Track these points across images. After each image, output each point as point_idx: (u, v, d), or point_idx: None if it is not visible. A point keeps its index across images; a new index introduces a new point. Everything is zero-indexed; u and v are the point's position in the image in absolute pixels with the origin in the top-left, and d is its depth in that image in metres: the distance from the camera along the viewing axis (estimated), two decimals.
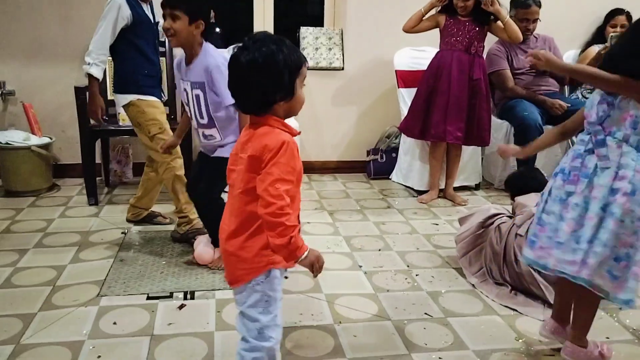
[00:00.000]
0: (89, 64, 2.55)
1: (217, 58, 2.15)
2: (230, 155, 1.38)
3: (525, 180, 2.46)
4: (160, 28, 2.69)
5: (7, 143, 3.25)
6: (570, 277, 1.60)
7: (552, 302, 1.99)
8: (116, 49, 2.58)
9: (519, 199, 2.35)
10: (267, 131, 1.28)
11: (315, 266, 1.29)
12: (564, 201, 1.63)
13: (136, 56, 2.59)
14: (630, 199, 1.52)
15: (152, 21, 2.68)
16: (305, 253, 1.28)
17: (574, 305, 1.78)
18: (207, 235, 2.44)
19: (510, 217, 2.33)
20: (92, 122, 3.18)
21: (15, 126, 3.49)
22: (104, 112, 2.72)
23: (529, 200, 2.28)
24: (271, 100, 1.28)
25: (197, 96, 2.19)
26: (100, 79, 2.62)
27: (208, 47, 2.20)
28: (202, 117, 2.21)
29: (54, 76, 3.56)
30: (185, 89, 2.24)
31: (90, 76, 2.59)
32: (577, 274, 1.57)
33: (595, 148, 1.58)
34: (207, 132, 2.24)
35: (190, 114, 2.27)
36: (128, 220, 2.88)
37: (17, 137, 3.30)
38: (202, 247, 2.38)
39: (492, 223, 2.33)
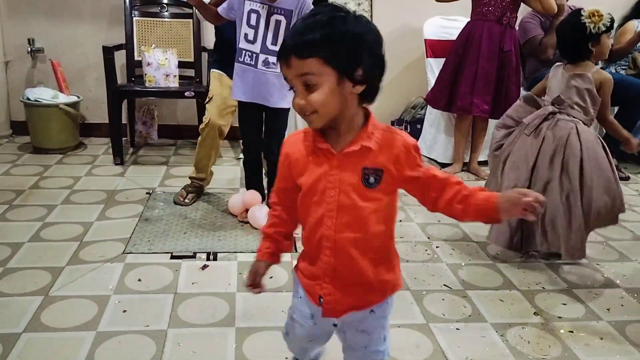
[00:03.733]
0: None
1: None
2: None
3: None
4: None
5: (35, 100, 3.29)
6: None
7: None
8: None
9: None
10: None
11: None
12: None
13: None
14: None
15: None
16: None
17: None
18: (259, 199, 2.51)
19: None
20: (119, 82, 3.21)
21: (43, 84, 3.54)
22: None
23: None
24: None
25: (278, 22, 2.21)
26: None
27: None
28: (275, 44, 2.22)
29: (82, 35, 3.58)
30: (256, 11, 2.21)
31: None
32: None
33: None
34: (272, 59, 2.24)
35: (255, 39, 2.24)
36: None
37: (45, 94, 3.34)
38: (265, 212, 2.40)
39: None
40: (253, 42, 2.24)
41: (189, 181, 2.77)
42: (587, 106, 2.13)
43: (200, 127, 2.67)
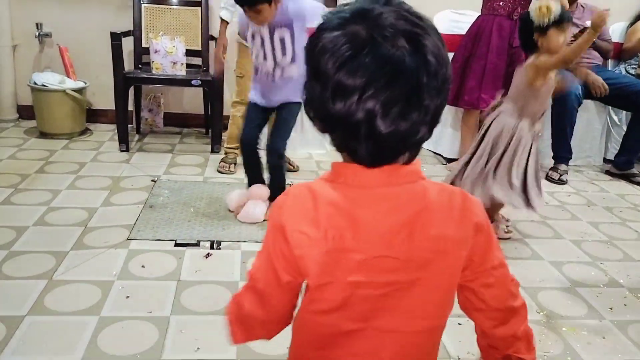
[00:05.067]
0: (221, 7, 2.89)
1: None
2: (329, 253, 0.73)
3: None
4: None
5: (42, 85, 3.29)
6: None
7: None
8: None
9: None
10: (448, 191, 0.79)
11: None
12: None
13: None
14: None
15: None
16: None
17: None
18: (267, 193, 2.43)
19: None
20: (126, 69, 3.20)
21: (51, 68, 3.53)
22: (225, 50, 2.94)
23: None
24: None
25: (282, 36, 2.20)
26: (229, 21, 2.86)
27: None
28: (285, 55, 2.22)
29: (90, 21, 3.56)
30: (259, 35, 2.22)
31: (221, 19, 2.89)
32: None
33: None
34: (288, 69, 2.25)
35: (265, 58, 2.25)
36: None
37: (52, 79, 3.33)
38: (260, 208, 2.38)
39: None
40: (265, 60, 2.26)
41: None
42: (518, 97, 2.22)
43: (234, 100, 2.86)
